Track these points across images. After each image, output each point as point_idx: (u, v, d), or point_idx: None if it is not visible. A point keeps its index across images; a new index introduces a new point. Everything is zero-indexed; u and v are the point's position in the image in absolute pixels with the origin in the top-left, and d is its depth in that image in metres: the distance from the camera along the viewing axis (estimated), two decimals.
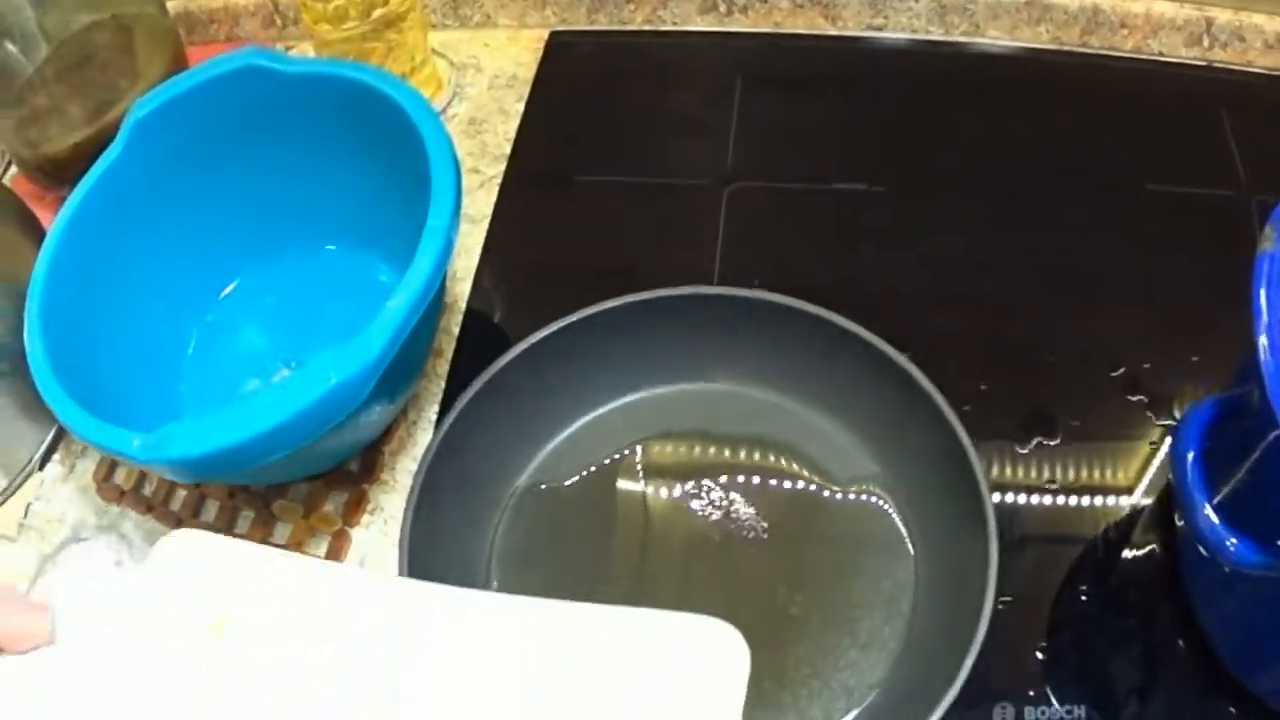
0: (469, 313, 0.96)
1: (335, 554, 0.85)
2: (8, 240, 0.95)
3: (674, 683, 0.58)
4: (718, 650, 0.59)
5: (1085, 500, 0.82)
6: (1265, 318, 0.61)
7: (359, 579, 0.69)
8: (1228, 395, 0.73)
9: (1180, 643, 0.75)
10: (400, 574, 0.74)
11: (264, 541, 0.86)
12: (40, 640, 0.63)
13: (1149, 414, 0.84)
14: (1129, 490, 0.82)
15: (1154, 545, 0.80)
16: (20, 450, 0.94)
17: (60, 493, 0.93)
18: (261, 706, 0.61)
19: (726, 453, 0.84)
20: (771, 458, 0.83)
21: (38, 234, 0.97)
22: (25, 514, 0.92)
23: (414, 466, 0.87)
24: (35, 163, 1.03)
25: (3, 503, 0.93)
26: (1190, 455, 0.72)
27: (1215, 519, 0.70)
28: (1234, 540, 0.68)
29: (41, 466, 0.95)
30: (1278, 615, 0.70)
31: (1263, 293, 0.61)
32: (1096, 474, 0.83)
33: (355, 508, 0.87)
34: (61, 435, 0.95)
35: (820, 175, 1.03)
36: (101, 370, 0.84)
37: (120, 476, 0.92)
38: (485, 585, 0.80)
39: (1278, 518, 0.67)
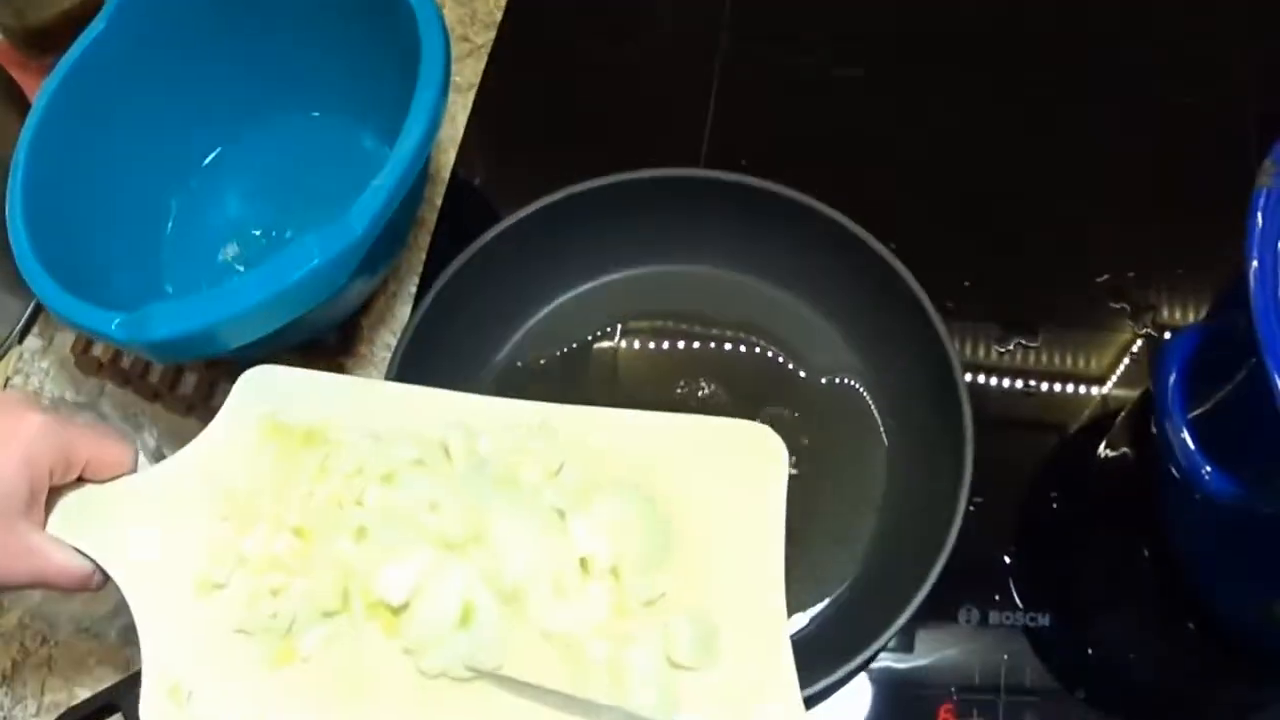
0: (452, 182, 0.94)
1: None
2: None
3: (729, 475, 0.65)
4: (762, 447, 0.66)
5: (1060, 402, 0.83)
6: (1257, 251, 0.60)
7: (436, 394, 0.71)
8: (1212, 323, 0.74)
9: (1146, 554, 0.77)
10: None
11: None
12: (125, 469, 0.67)
13: (1129, 322, 0.84)
14: (1104, 395, 0.83)
15: (1126, 451, 0.80)
16: None
17: (39, 366, 0.93)
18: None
19: (705, 335, 0.84)
20: (750, 341, 0.83)
21: (21, 105, 0.94)
22: (4, 388, 0.91)
23: (392, 340, 0.87)
24: (21, 32, 1.00)
25: None
26: (1172, 379, 0.73)
27: (1192, 445, 0.71)
28: (1209, 468, 0.69)
29: (21, 339, 0.94)
30: (1242, 541, 0.72)
31: (1258, 226, 0.61)
32: (1073, 376, 0.83)
33: None
34: (40, 308, 0.94)
35: (816, 60, 1.00)
36: (81, 243, 0.83)
37: (99, 349, 0.91)
38: None
39: (1253, 448, 0.68)
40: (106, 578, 0.65)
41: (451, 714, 0.58)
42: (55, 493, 0.65)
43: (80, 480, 0.66)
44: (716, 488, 0.65)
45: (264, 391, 0.69)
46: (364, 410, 0.68)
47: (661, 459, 0.66)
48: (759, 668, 0.59)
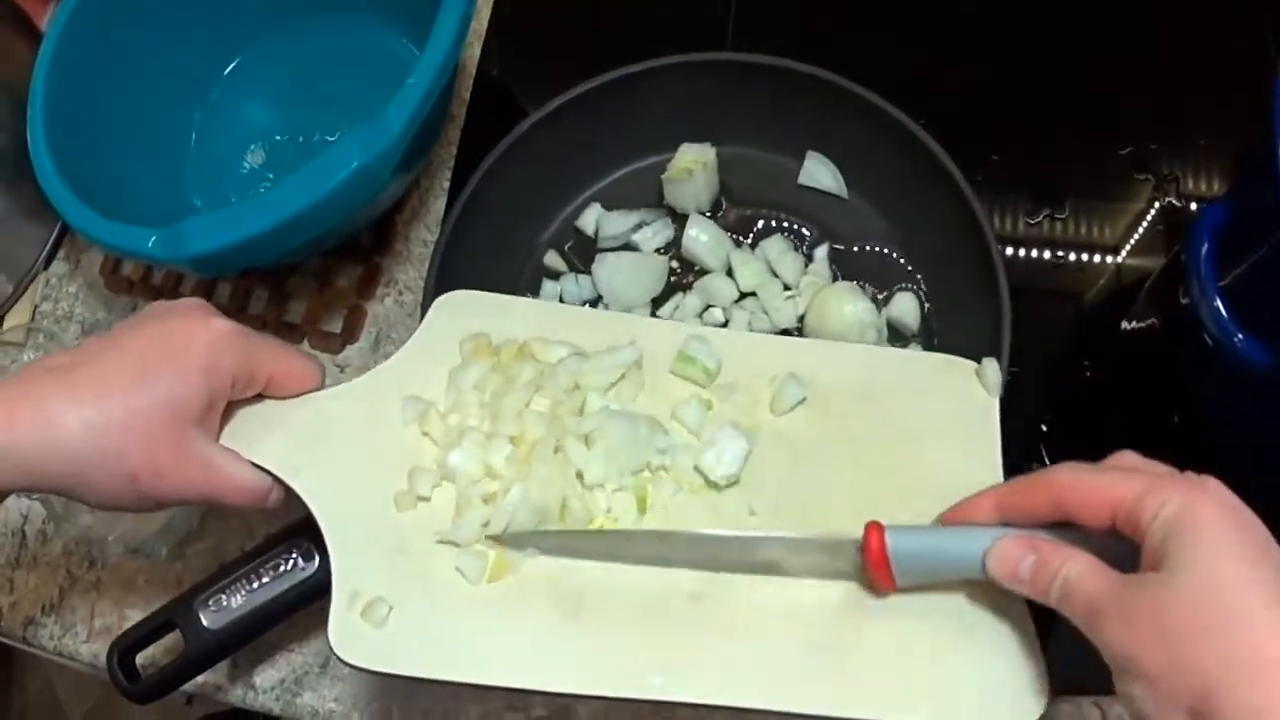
0: (479, 75, 0.94)
1: (351, 328, 0.86)
2: (2, 43, 0.92)
3: (951, 405, 0.66)
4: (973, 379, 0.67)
5: (1089, 272, 0.84)
6: None
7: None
8: (1240, 195, 0.74)
9: (1175, 420, 0.79)
10: None
11: (278, 321, 0.87)
12: (311, 386, 0.65)
13: (1155, 194, 0.85)
14: (1128, 264, 0.83)
15: (1154, 321, 0.81)
16: (23, 252, 0.93)
17: (67, 290, 0.93)
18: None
19: (740, 214, 0.84)
20: (782, 219, 0.84)
21: (32, 34, 0.93)
22: (32, 317, 0.92)
23: (428, 235, 0.88)
24: None
25: (10, 307, 0.92)
26: (1204, 249, 0.74)
27: (1225, 314, 0.72)
28: (1241, 336, 0.71)
29: (47, 265, 0.94)
30: (1270, 405, 0.73)
31: None
32: (1100, 244, 0.84)
33: (369, 281, 0.87)
34: (65, 232, 0.94)
35: None
36: (106, 165, 0.83)
37: (128, 267, 0.91)
38: None
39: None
40: (284, 497, 0.64)
41: (670, 632, 0.58)
42: (234, 406, 0.63)
43: (260, 397, 0.64)
44: (933, 422, 0.66)
45: (462, 314, 0.68)
46: (558, 329, 0.67)
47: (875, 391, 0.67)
48: None
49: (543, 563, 0.60)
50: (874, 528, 0.57)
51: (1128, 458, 0.55)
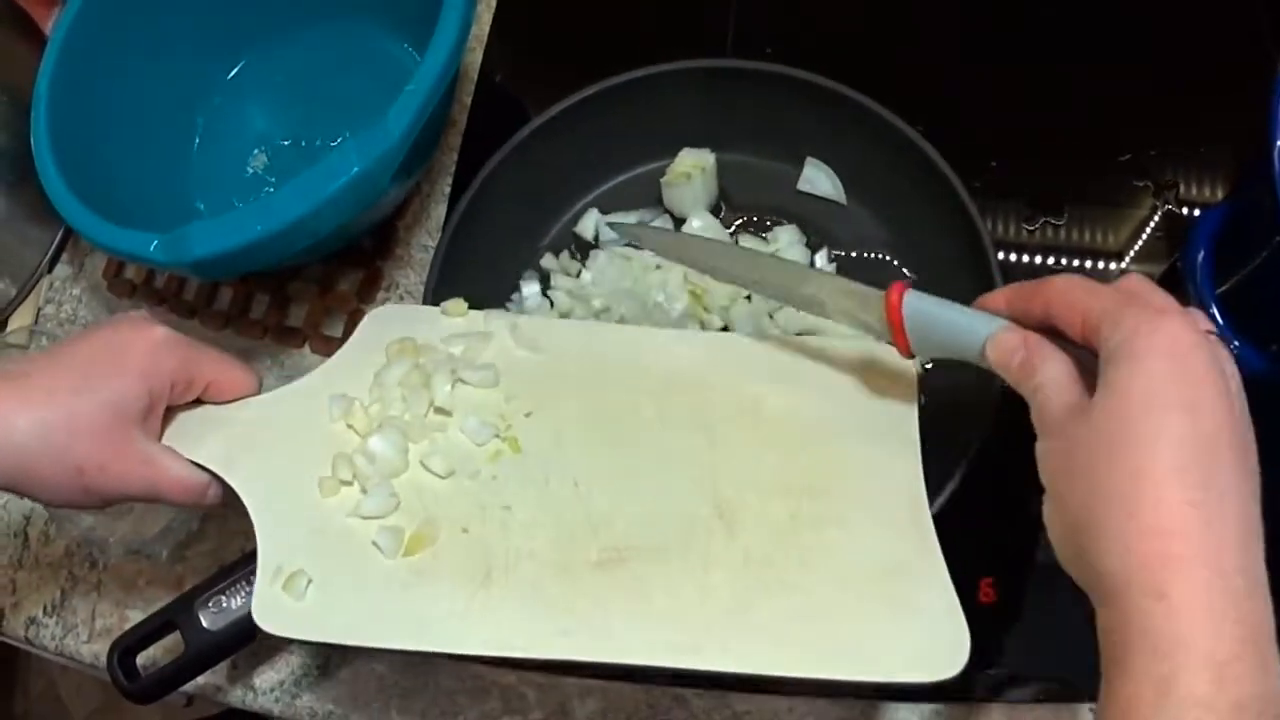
0: (481, 81, 0.94)
1: (352, 332, 0.85)
2: (5, 47, 0.92)
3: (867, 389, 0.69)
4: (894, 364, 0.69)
5: (1087, 275, 0.83)
6: None
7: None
8: (1237, 200, 0.75)
9: None
10: None
11: (279, 325, 0.88)
12: (248, 393, 0.69)
13: (1152, 199, 0.85)
14: (1129, 270, 0.83)
15: None
16: (27, 255, 0.93)
17: (71, 293, 0.94)
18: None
19: (736, 219, 0.85)
20: (781, 224, 0.84)
21: (36, 38, 0.94)
22: (36, 319, 0.92)
23: (429, 241, 0.88)
24: None
25: (13, 310, 0.93)
26: (1200, 255, 0.74)
27: (1221, 320, 0.72)
28: (1238, 343, 0.71)
29: (50, 268, 0.94)
30: (1269, 414, 0.74)
31: None
32: (1099, 253, 0.84)
33: (371, 285, 0.87)
34: (69, 235, 0.95)
35: None
36: (110, 167, 0.84)
37: (131, 271, 0.92)
38: None
39: (1277, 323, 0.69)
40: (221, 494, 0.67)
41: (578, 596, 0.61)
42: (175, 411, 0.67)
43: (198, 402, 0.68)
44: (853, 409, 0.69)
45: (391, 325, 0.72)
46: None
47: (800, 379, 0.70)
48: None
49: (459, 539, 0.64)
50: (897, 285, 0.61)
51: (1134, 280, 0.53)
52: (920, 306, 0.60)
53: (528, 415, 0.68)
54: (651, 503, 0.65)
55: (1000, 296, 0.58)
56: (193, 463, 0.66)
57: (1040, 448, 0.52)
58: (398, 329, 0.71)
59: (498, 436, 0.67)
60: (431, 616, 0.61)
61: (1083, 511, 0.48)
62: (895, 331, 0.61)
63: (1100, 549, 0.47)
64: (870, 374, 0.69)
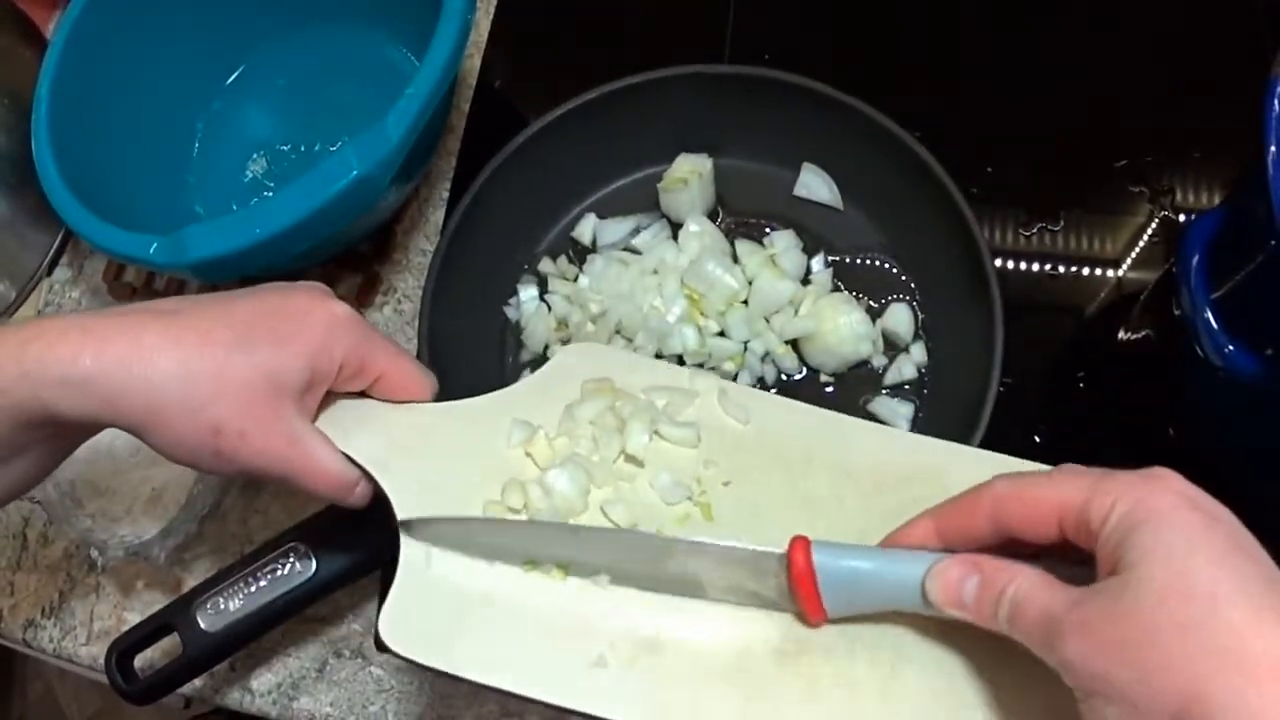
0: (479, 87, 0.95)
1: None
2: (6, 49, 0.93)
3: None
4: None
5: (1084, 284, 0.84)
6: (1275, 137, 0.61)
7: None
8: (1232, 206, 0.75)
9: (1170, 433, 0.79)
10: (420, 349, 0.76)
11: None
12: (420, 398, 0.64)
13: (1149, 205, 0.86)
14: (1125, 277, 0.84)
15: (1149, 332, 0.82)
16: (27, 257, 0.93)
17: (70, 296, 0.94)
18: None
19: (734, 224, 0.85)
20: (778, 229, 0.84)
21: (37, 41, 0.94)
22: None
23: (427, 245, 0.89)
24: None
25: (13, 312, 0.93)
26: (1195, 260, 0.74)
27: (1215, 325, 0.72)
28: (1231, 347, 0.71)
29: (50, 271, 0.95)
30: (1262, 417, 0.74)
31: (1275, 112, 0.62)
32: (1095, 259, 0.85)
33: (369, 289, 0.88)
34: (69, 238, 0.95)
35: None
36: (109, 172, 0.84)
37: (131, 273, 0.92)
38: (503, 356, 0.83)
39: (1273, 328, 0.70)
40: (369, 495, 0.62)
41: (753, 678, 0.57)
42: (336, 395, 0.62)
43: (363, 394, 0.63)
44: None
45: (587, 360, 0.67)
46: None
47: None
48: None
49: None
50: (799, 541, 0.53)
51: (1069, 467, 0.49)
52: (836, 564, 0.52)
53: (725, 484, 0.62)
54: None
55: (925, 524, 0.53)
56: (345, 455, 0.61)
57: (1064, 651, 0.45)
58: (593, 368, 0.66)
59: (690, 499, 0.62)
60: (575, 669, 0.57)
61: (1181, 691, 0.41)
62: (805, 598, 0.53)
63: (1222, 706, 0.41)
64: None
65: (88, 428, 0.58)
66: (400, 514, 0.60)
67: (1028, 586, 0.47)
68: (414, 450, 0.62)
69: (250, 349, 0.56)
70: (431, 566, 0.59)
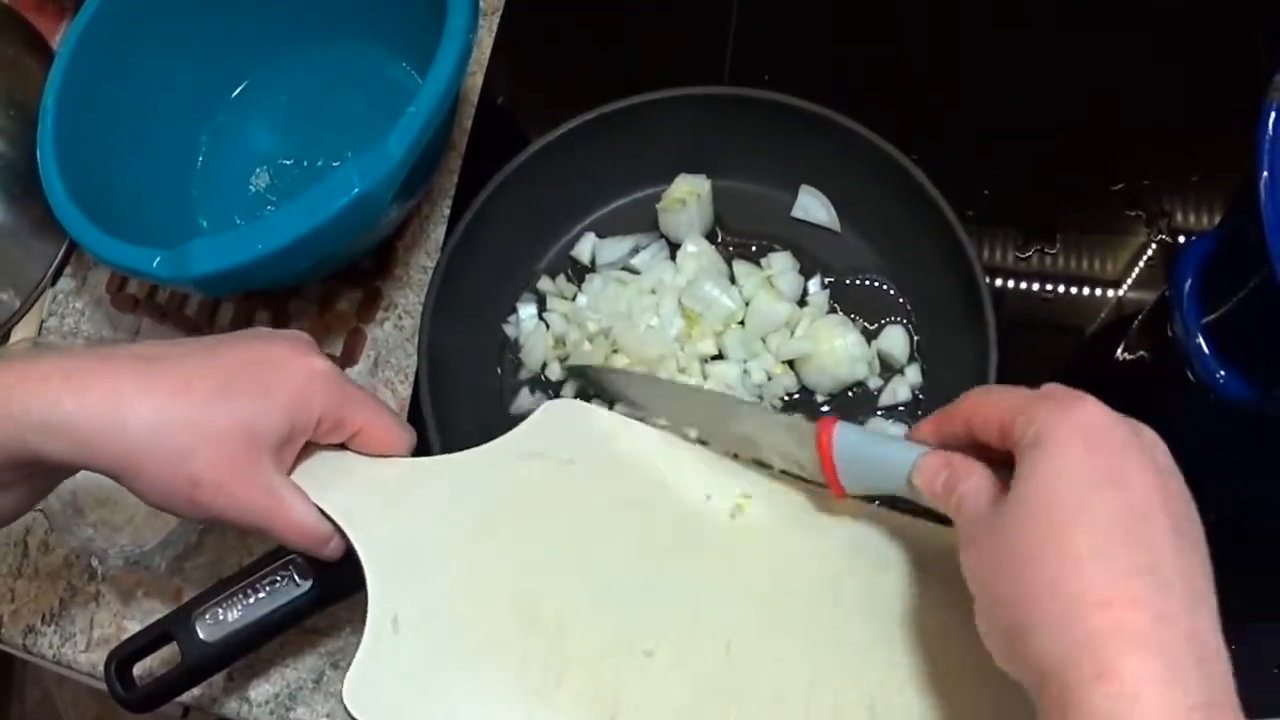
0: (480, 104, 0.95)
1: (351, 351, 0.87)
2: (13, 60, 0.93)
3: None
4: None
5: (1079, 307, 0.84)
6: (1267, 162, 0.62)
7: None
8: (1226, 230, 0.76)
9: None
10: (419, 365, 0.77)
11: None
12: (398, 452, 0.65)
13: (1145, 229, 0.86)
14: (1121, 299, 0.84)
15: (1144, 355, 0.82)
16: (31, 267, 0.94)
17: (74, 306, 0.94)
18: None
19: (731, 245, 0.85)
20: (774, 250, 0.84)
21: (43, 52, 0.95)
22: (39, 332, 0.93)
23: (428, 262, 0.89)
24: None
25: (16, 322, 0.93)
26: (1188, 285, 0.75)
27: (1207, 350, 0.73)
28: (1224, 372, 0.72)
29: (54, 281, 0.95)
30: (1255, 442, 0.74)
31: (1268, 138, 0.62)
32: (1091, 281, 0.85)
33: (370, 304, 0.88)
34: (73, 249, 0.96)
35: None
36: (113, 183, 0.85)
37: (134, 285, 0.93)
38: (502, 373, 0.84)
39: (1265, 353, 0.70)
40: (343, 549, 0.64)
41: None
42: (315, 448, 0.64)
43: (343, 446, 0.64)
44: None
45: (571, 422, 0.69)
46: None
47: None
48: None
49: (590, 670, 0.60)
50: (826, 420, 0.59)
51: (1052, 385, 0.51)
52: (850, 440, 0.59)
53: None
54: (801, 684, 0.59)
55: (927, 425, 0.57)
56: (320, 510, 0.62)
57: (963, 556, 0.50)
58: (573, 429, 0.68)
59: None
60: None
61: (1014, 605, 0.46)
62: (826, 468, 0.59)
63: (1038, 636, 0.44)
64: None
65: (70, 468, 0.60)
66: (369, 573, 0.61)
67: (972, 486, 0.51)
68: (388, 507, 0.64)
69: (229, 400, 0.58)
70: (399, 630, 0.60)
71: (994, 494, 0.50)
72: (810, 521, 0.64)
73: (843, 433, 0.59)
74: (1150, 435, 0.49)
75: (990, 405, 0.52)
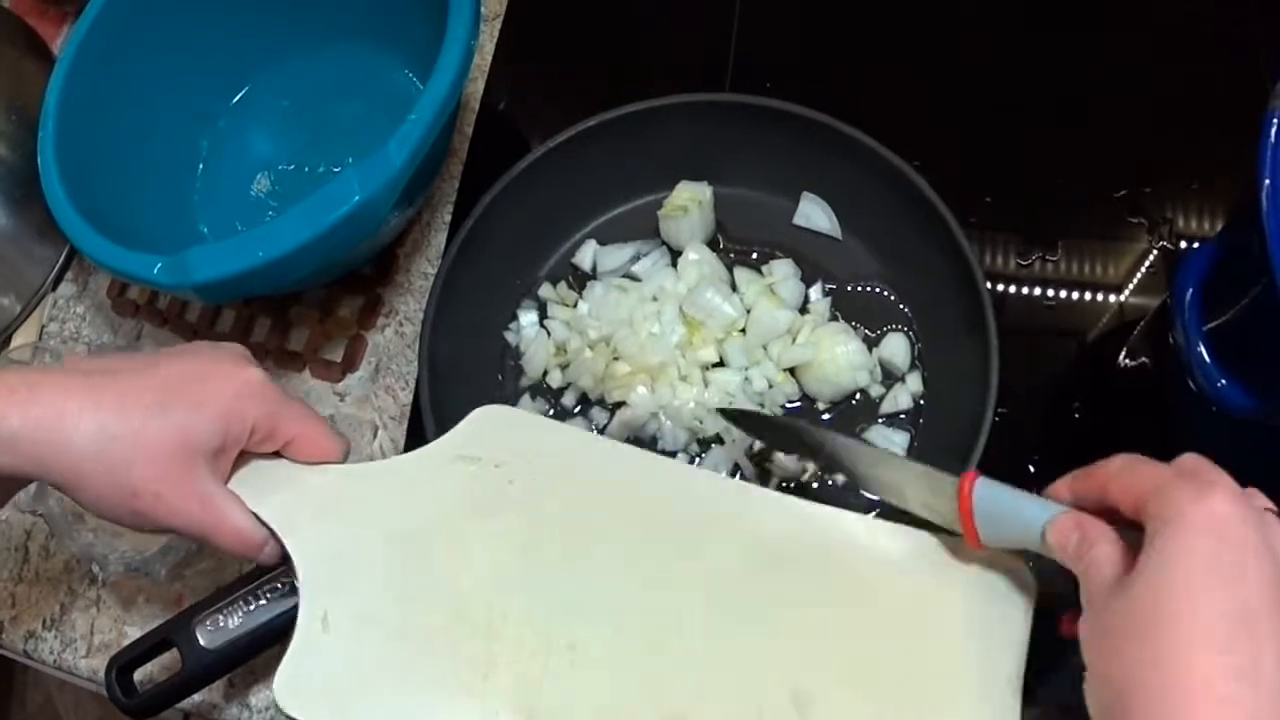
0: (482, 111, 0.95)
1: (352, 357, 0.87)
2: (14, 64, 0.93)
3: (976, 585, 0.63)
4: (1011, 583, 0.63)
5: (1080, 314, 0.85)
6: (1269, 171, 0.62)
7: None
8: (1228, 238, 0.75)
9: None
10: (420, 372, 0.77)
11: (280, 348, 0.89)
12: (331, 459, 0.67)
13: (1147, 235, 0.86)
14: (1122, 307, 0.84)
15: (1145, 361, 0.82)
16: (32, 272, 0.94)
17: (75, 311, 0.95)
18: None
19: (733, 252, 0.86)
20: (776, 257, 0.84)
21: (44, 56, 0.95)
22: (40, 336, 0.93)
23: (429, 268, 0.89)
24: None
25: (17, 326, 0.94)
26: (1189, 294, 0.75)
27: (1208, 358, 0.73)
28: (1224, 381, 0.72)
29: (55, 286, 0.95)
30: (1256, 451, 0.74)
31: (1270, 145, 0.62)
32: (1092, 289, 0.85)
33: (371, 311, 0.88)
34: (74, 253, 0.96)
35: None
36: (114, 189, 0.85)
37: (134, 291, 0.93)
38: (503, 380, 0.84)
39: (1266, 362, 0.70)
40: (279, 554, 0.65)
41: None
42: (250, 456, 0.66)
43: (278, 455, 0.66)
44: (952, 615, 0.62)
45: (500, 429, 0.69)
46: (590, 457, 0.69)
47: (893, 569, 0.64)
48: None
49: (517, 666, 0.61)
50: (968, 475, 0.60)
51: (1190, 459, 0.53)
52: (989, 494, 0.59)
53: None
54: (725, 676, 0.61)
55: (1064, 484, 0.58)
56: (256, 515, 0.64)
57: (1082, 624, 0.51)
58: (505, 433, 0.69)
59: None
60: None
61: (1121, 684, 0.48)
62: (965, 519, 0.60)
63: (1136, 712, 0.46)
64: (983, 571, 0.63)
65: (22, 480, 0.63)
66: (300, 575, 0.63)
67: (1104, 555, 0.52)
68: (321, 512, 0.65)
69: (165, 412, 0.60)
70: (329, 630, 0.62)
71: (1122, 564, 0.51)
72: (733, 523, 0.65)
73: (982, 488, 0.60)
74: (1275, 526, 0.50)
75: (1130, 476, 0.53)
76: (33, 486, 0.83)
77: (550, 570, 0.64)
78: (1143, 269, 0.85)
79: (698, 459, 0.79)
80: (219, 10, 0.91)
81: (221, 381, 0.62)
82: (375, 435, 0.85)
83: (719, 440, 0.79)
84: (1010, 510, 0.59)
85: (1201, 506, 0.48)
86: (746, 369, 0.79)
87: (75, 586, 0.84)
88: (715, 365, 0.80)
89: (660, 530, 0.65)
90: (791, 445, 0.73)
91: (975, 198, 0.87)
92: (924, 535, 0.64)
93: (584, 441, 0.71)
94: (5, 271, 0.92)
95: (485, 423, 0.69)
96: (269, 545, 0.65)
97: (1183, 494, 0.49)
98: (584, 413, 0.82)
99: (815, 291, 0.82)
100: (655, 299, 0.81)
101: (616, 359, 0.80)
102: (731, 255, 0.85)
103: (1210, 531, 0.48)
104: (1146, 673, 0.46)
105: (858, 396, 0.80)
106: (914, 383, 0.80)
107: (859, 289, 0.83)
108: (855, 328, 0.81)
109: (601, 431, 0.80)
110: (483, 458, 0.67)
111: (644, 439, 0.80)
